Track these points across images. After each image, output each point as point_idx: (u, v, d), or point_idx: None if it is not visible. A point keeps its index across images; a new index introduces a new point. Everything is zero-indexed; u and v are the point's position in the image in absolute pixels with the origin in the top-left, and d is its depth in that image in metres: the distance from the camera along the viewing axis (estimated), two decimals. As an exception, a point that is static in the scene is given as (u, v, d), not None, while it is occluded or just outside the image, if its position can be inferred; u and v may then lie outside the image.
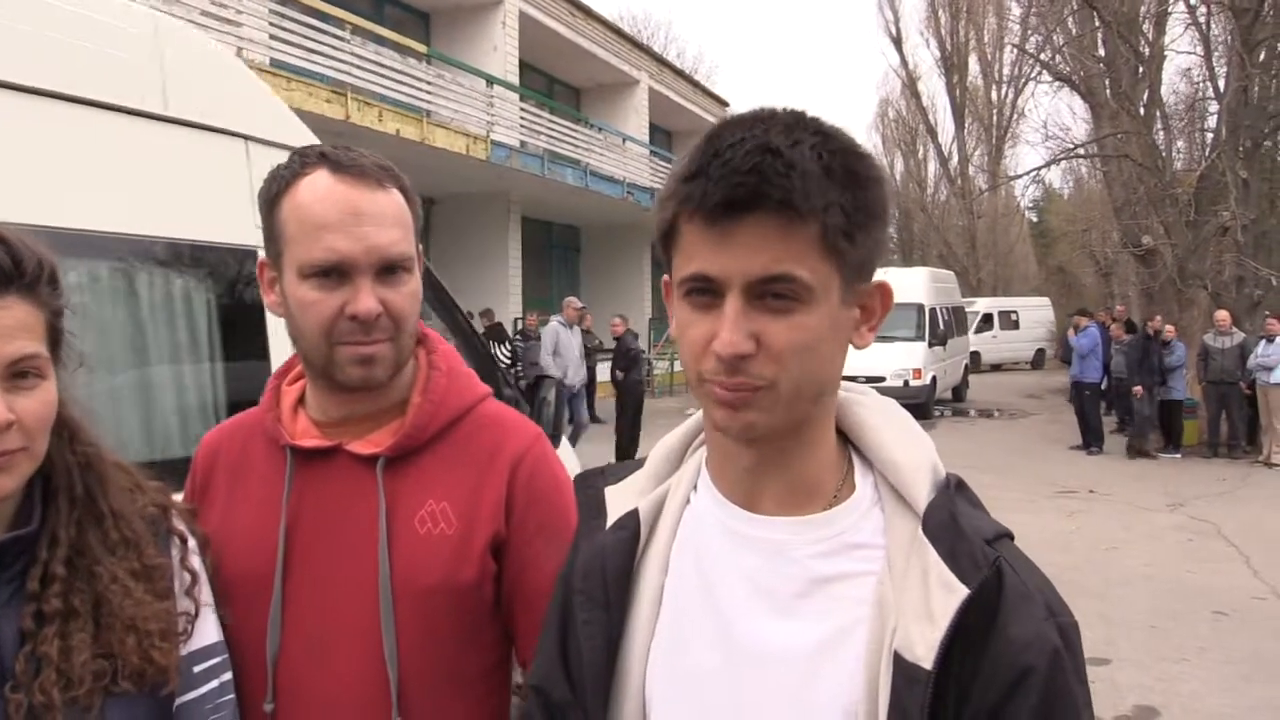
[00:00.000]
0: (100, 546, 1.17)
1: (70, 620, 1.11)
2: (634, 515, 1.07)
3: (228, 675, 1.26)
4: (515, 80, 18.56)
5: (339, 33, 12.81)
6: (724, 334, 0.88)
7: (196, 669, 1.21)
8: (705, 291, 0.90)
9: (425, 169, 15.70)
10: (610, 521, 1.09)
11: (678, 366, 22.72)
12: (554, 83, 23.19)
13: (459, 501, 1.31)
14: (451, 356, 1.43)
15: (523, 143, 17.22)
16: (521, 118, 17.43)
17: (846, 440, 1.03)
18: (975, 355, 27.94)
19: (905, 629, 0.89)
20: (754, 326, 0.88)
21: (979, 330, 29.63)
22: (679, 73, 27.95)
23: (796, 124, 0.90)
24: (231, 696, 1.27)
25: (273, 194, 1.30)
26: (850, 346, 0.97)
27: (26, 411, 1.08)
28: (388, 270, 1.27)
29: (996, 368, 30.84)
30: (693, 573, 1.02)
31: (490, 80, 16.62)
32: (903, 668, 0.88)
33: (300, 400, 1.40)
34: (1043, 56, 20.01)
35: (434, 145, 14.27)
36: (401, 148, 13.93)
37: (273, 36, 11.85)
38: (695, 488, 1.07)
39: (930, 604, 0.89)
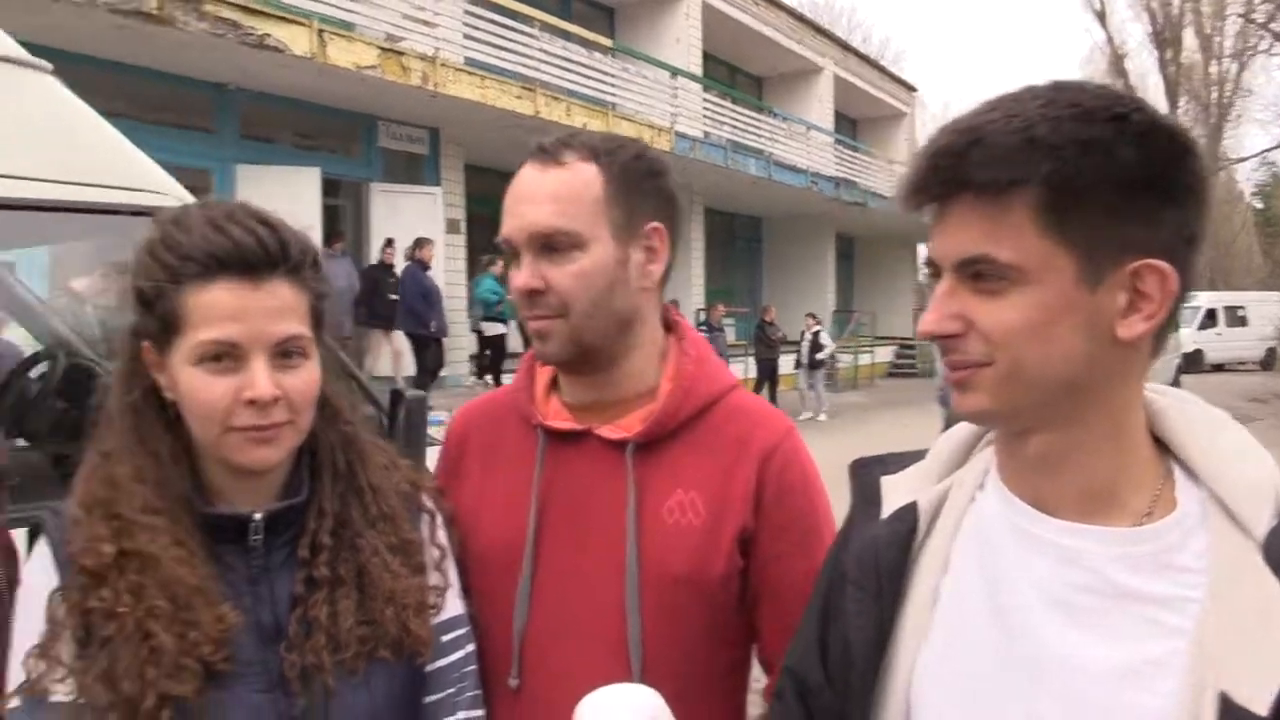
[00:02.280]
0: (362, 520, 1.23)
1: (337, 588, 1.18)
2: (912, 509, 1.04)
3: (471, 646, 1.31)
4: (698, 71, 18.54)
5: (528, 30, 13.11)
6: (925, 314, 0.91)
7: (444, 638, 1.27)
8: (932, 276, 0.94)
9: (609, 162, 15.94)
10: (886, 512, 1.07)
11: (862, 360, 22.28)
12: (736, 72, 23.04)
13: (708, 492, 1.30)
14: (701, 344, 1.41)
15: (706, 134, 17.18)
16: (704, 108, 17.39)
17: (1166, 450, 0.95)
18: (1196, 354, 26.05)
19: (1235, 667, 0.81)
20: (956, 307, 0.90)
21: (1201, 327, 27.69)
22: (864, 58, 27.20)
23: (1007, 100, 0.89)
24: (475, 667, 1.31)
25: None
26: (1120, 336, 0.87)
27: (292, 388, 1.14)
28: (547, 249, 1.28)
29: (1219, 368, 28.44)
30: (974, 574, 0.98)
31: (674, 72, 16.65)
32: (1232, 712, 0.80)
33: (554, 383, 1.42)
34: (1274, 26, 18.22)
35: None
36: (587, 141, 14.12)
37: (467, 36, 12.23)
38: (982, 486, 1.02)
39: (1270, 641, 0.81)
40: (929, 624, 0.99)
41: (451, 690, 1.27)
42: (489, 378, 12.86)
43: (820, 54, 23.61)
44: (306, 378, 1.16)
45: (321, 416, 1.24)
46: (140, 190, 2.44)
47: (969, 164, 0.86)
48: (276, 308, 1.13)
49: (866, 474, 1.13)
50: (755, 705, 1.37)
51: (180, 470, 1.16)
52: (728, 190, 19.12)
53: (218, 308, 1.10)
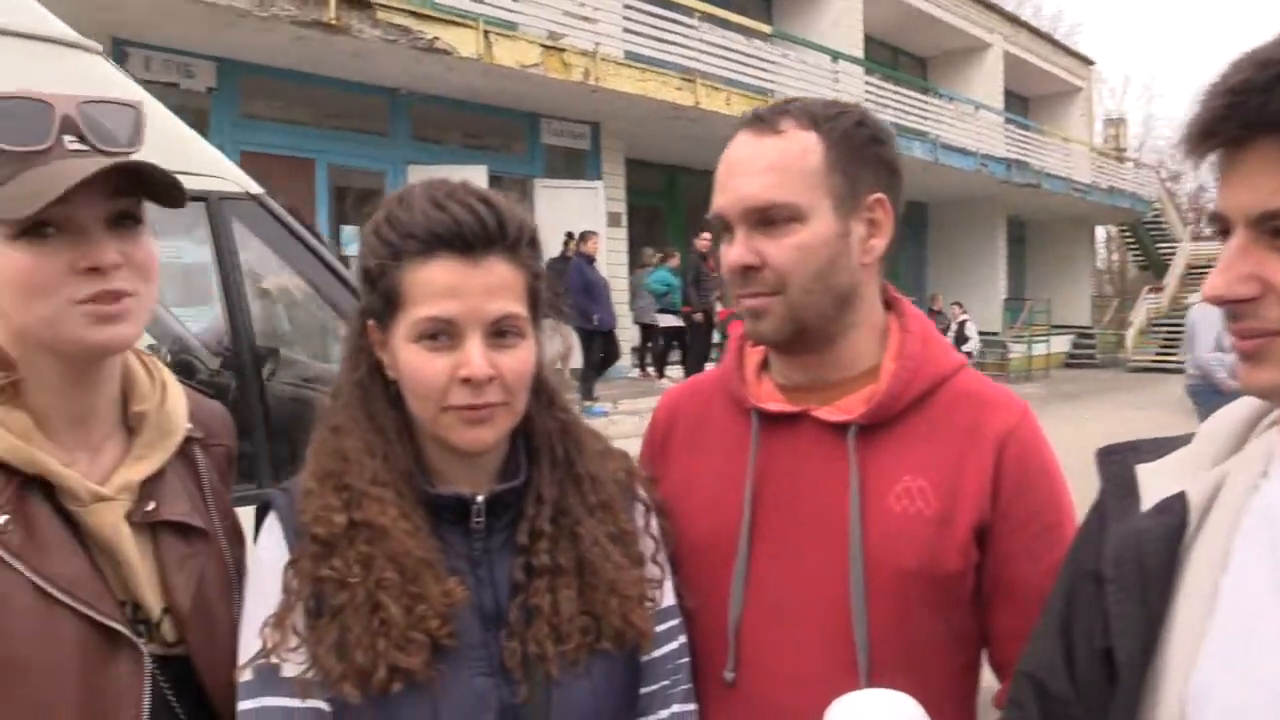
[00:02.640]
0: (580, 508, 1.21)
1: (558, 576, 1.16)
2: (1181, 499, 0.95)
3: (684, 638, 1.28)
4: (859, 54, 18.03)
5: (688, 21, 13.05)
6: (1212, 275, 0.85)
7: (659, 629, 1.24)
8: (1219, 232, 0.86)
9: (769, 150, 15.72)
10: (1146, 503, 0.97)
11: (1036, 350, 21.21)
12: (898, 54, 22.32)
13: (938, 479, 1.22)
14: (923, 321, 1.34)
15: (868, 118, 16.68)
16: (866, 92, 16.88)
17: None
18: None
19: None
20: (1251, 267, 0.82)
21: None
22: (1036, 32, 25.84)
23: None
24: (688, 659, 1.28)
25: None
26: None
27: (507, 368, 1.12)
28: (763, 222, 1.21)
29: None
30: (1264, 571, 0.88)
31: (835, 55, 16.25)
32: None
33: (764, 364, 1.36)
34: None
35: (779, 125, 14.14)
36: (747, 130, 13.97)
37: (626, 30, 12.27)
38: (1266, 473, 0.92)
39: None
40: (1207, 625, 0.89)
41: (666, 683, 1.25)
42: (652, 370, 12.89)
43: (988, 30, 22.57)
44: (522, 358, 1.14)
45: (537, 401, 1.22)
46: (199, 175, 2.43)
47: (1276, 102, 0.77)
48: (493, 285, 1.11)
49: (1118, 462, 1.03)
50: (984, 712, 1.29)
51: (404, 447, 1.17)
52: (891, 176, 18.50)
53: (435, 284, 1.10)
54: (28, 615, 1.05)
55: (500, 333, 1.12)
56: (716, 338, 12.27)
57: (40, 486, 1.10)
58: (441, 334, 1.11)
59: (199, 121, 10.17)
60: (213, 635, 1.17)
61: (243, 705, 1.11)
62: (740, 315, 1.29)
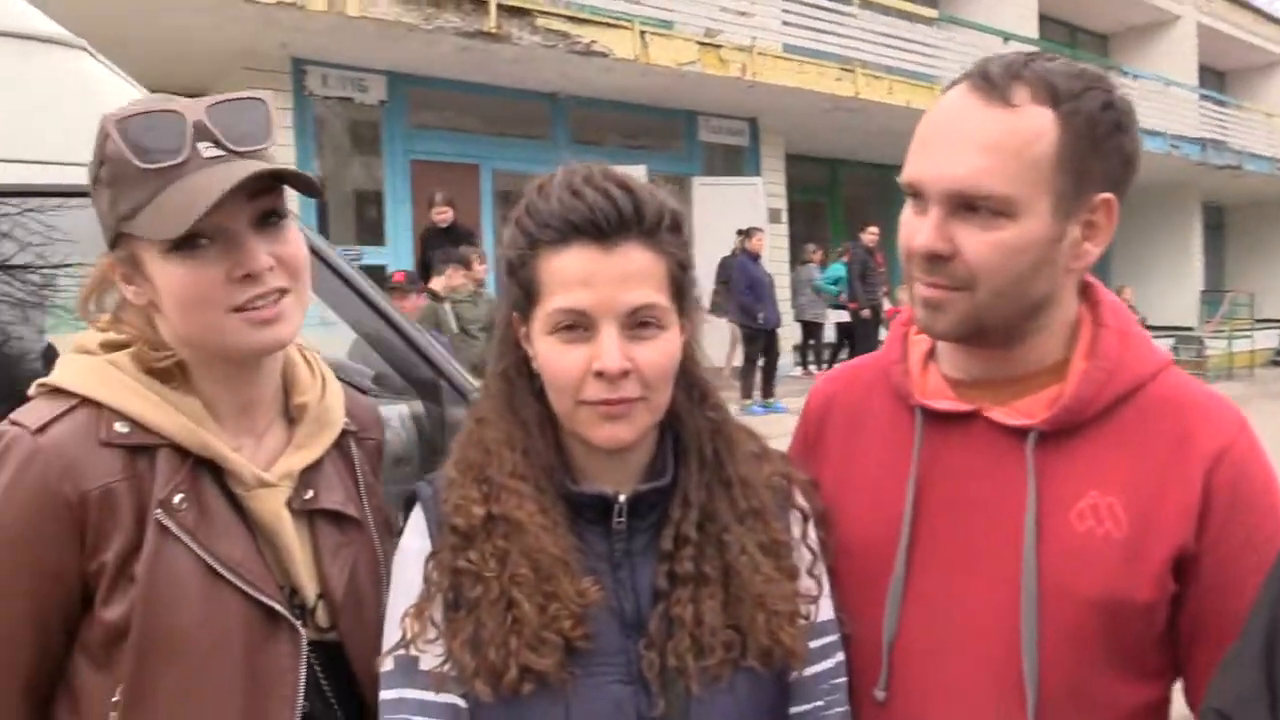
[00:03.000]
0: (729, 514, 1.14)
1: (702, 586, 1.10)
2: None
3: (841, 656, 1.20)
4: (1033, 34, 17.12)
5: (847, 9, 12.74)
6: None
7: (813, 645, 1.17)
8: None
9: (936, 139, 15.17)
10: None
11: (1237, 346, 19.59)
12: (1075, 31, 21.08)
13: (1132, 498, 1.08)
14: (1121, 313, 1.17)
15: (1043, 101, 15.85)
16: (1041, 74, 16.04)
17: None
18: None
19: None
20: None
21: None
22: (1235, 0, 23.87)
23: None
24: (845, 679, 1.20)
25: None
26: None
27: (645, 361, 1.07)
28: (964, 208, 1.06)
29: None
30: None
31: (1006, 36, 15.49)
32: None
33: (931, 353, 1.23)
34: None
35: (946, 113, 13.62)
36: (911, 119, 13.39)
37: (784, 22, 12.09)
38: None
39: None
40: None
41: (820, 703, 1.18)
42: (814, 368, 12.65)
43: (1178, 0, 21.03)
44: (662, 350, 1.08)
45: (688, 397, 1.17)
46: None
47: None
48: (629, 273, 1.06)
49: None
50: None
51: (546, 441, 1.14)
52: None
53: (568, 274, 1.06)
54: (197, 591, 1.10)
55: (640, 324, 1.07)
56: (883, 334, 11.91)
57: (209, 469, 1.15)
58: (576, 325, 1.06)
59: (372, 133, 10.69)
60: (363, 622, 1.20)
61: (384, 694, 1.12)
62: (908, 301, 1.17)
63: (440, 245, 8.50)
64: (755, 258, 11.14)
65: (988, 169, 1.03)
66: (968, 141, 1.04)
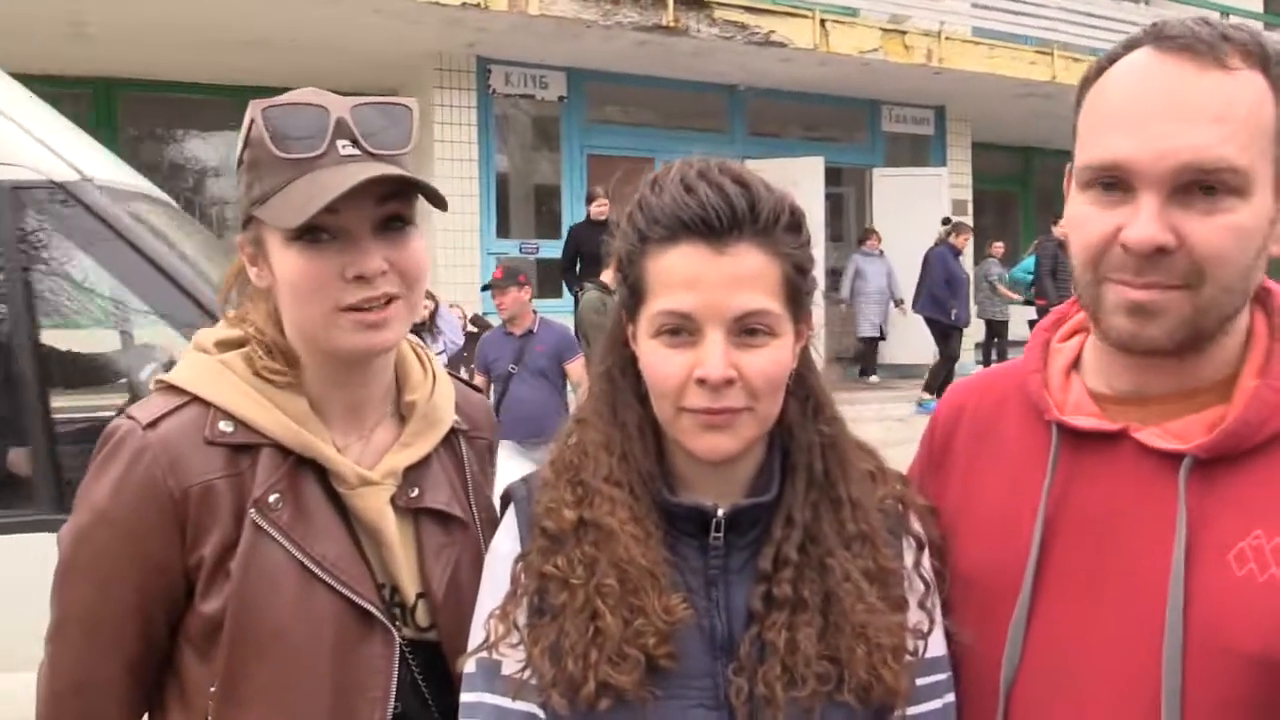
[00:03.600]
0: (835, 537, 1.07)
1: (799, 612, 1.03)
2: None
3: (951, 697, 1.11)
4: (1258, 7, 15.63)
5: (1045, -13, 12.01)
6: None
7: (920, 683, 1.08)
8: None
9: (1142, 124, 14.13)
10: None
11: None
12: (1312, 3, 19.12)
13: None
14: None
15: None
16: (1269, 51, 14.64)
17: None
18: None
19: None
20: None
21: None
22: None
23: None
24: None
25: (1082, 84, 1.02)
26: None
27: (751, 370, 1.00)
28: (1189, 189, 0.91)
29: None
30: None
31: (1225, 11, 14.21)
32: None
33: (1075, 363, 1.11)
34: None
35: (1154, 96, 12.65)
36: (1114, 103, 12.65)
37: (975, 4, 11.51)
38: None
39: None
40: None
41: None
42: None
43: None
44: (771, 359, 1.02)
45: (801, 410, 1.10)
46: None
47: None
48: (740, 276, 0.99)
49: None
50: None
51: (645, 446, 1.09)
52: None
53: (675, 274, 1.01)
54: (290, 589, 1.12)
55: (747, 330, 1.00)
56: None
57: (313, 468, 1.17)
58: (681, 329, 1.01)
59: (551, 128, 10.92)
60: (463, 622, 1.19)
61: (464, 696, 1.10)
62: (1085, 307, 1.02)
63: (596, 238, 8.59)
64: (957, 253, 10.75)
65: (1225, 138, 0.90)
66: (1196, 111, 0.91)
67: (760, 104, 11.76)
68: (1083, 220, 0.98)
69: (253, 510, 1.12)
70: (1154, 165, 0.92)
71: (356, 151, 1.12)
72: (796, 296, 1.05)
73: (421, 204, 1.21)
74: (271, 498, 1.13)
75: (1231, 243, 0.92)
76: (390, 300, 1.14)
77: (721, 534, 1.05)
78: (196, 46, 9.08)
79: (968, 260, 12.65)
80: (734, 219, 0.99)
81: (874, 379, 11.39)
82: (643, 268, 1.04)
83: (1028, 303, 11.85)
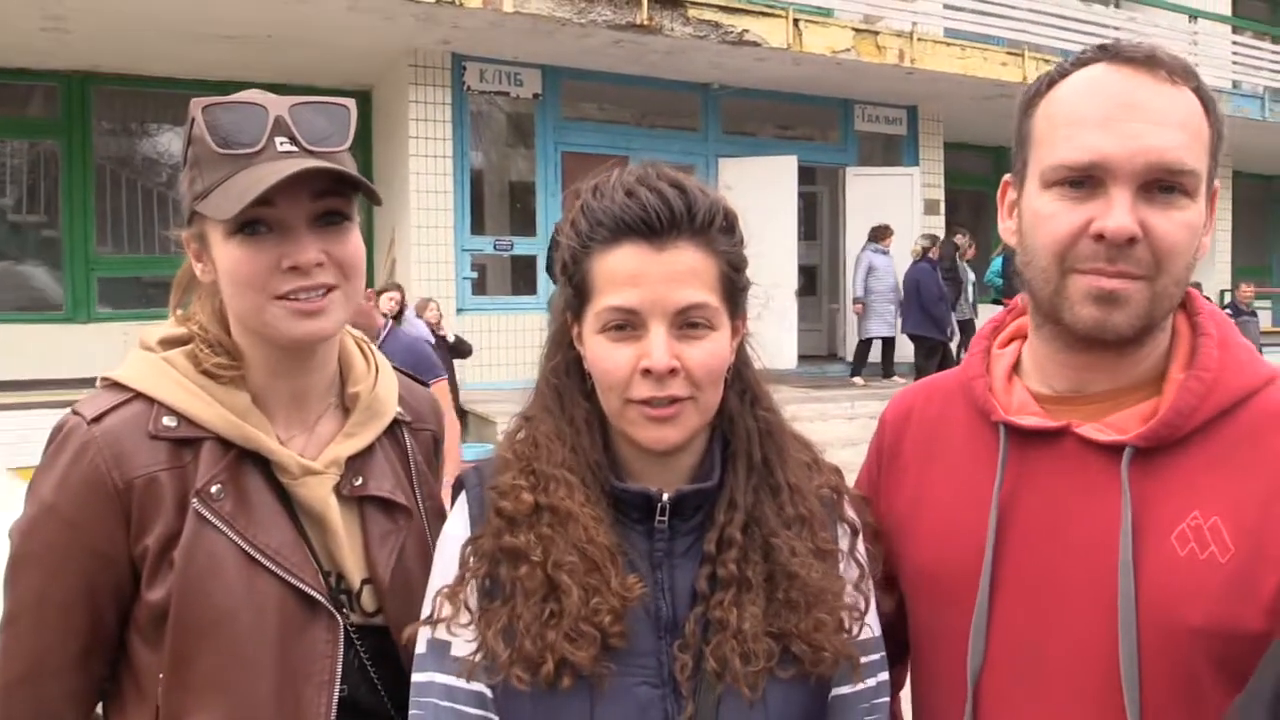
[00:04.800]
0: (776, 520, 1.13)
1: (745, 591, 1.08)
2: None
3: (884, 676, 1.18)
4: (1226, 10, 15.86)
5: (1016, -11, 12.13)
6: None
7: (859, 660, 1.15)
8: None
9: (1111, 126, 14.28)
10: None
11: None
12: (1278, 7, 19.39)
13: (1237, 520, 1.01)
14: (1221, 322, 1.12)
15: (1235, 83, 14.66)
16: (1234, 54, 14.83)
17: None
18: None
19: None
20: None
21: None
22: None
23: None
24: (887, 699, 1.18)
25: (1029, 96, 1.11)
26: None
27: (693, 361, 1.07)
28: (1159, 188, 1.01)
29: None
30: None
31: (1192, 14, 14.41)
32: None
33: (1015, 367, 1.19)
34: None
35: (1122, 97, 12.80)
36: (1083, 105, 12.79)
37: (947, 5, 11.60)
38: None
39: None
40: None
41: None
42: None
43: (1402, -31, 19.03)
44: (711, 350, 1.08)
45: (739, 400, 1.17)
46: None
47: None
48: (679, 272, 1.06)
49: None
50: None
51: (594, 439, 1.14)
52: (1266, 148, 16.16)
53: (619, 272, 1.07)
54: (234, 576, 1.15)
55: (689, 324, 1.07)
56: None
57: (256, 461, 1.21)
58: (626, 324, 1.07)
59: (526, 125, 10.94)
60: (410, 606, 1.23)
61: (415, 676, 1.13)
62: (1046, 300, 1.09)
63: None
64: (935, 265, 10.79)
65: (1186, 145, 1.01)
66: (1164, 116, 1.01)
67: (734, 103, 11.82)
68: (1049, 215, 1.05)
69: (195, 500, 1.15)
70: (1128, 161, 1.00)
71: (294, 148, 1.16)
72: (732, 292, 1.12)
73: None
74: (213, 488, 1.17)
75: (1185, 237, 1.02)
76: (328, 290, 1.19)
77: (666, 518, 1.11)
78: (172, 40, 9.05)
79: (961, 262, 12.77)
80: (673, 219, 1.06)
81: (858, 380, 10.93)
82: (587, 268, 1.10)
83: (996, 302, 11.97)
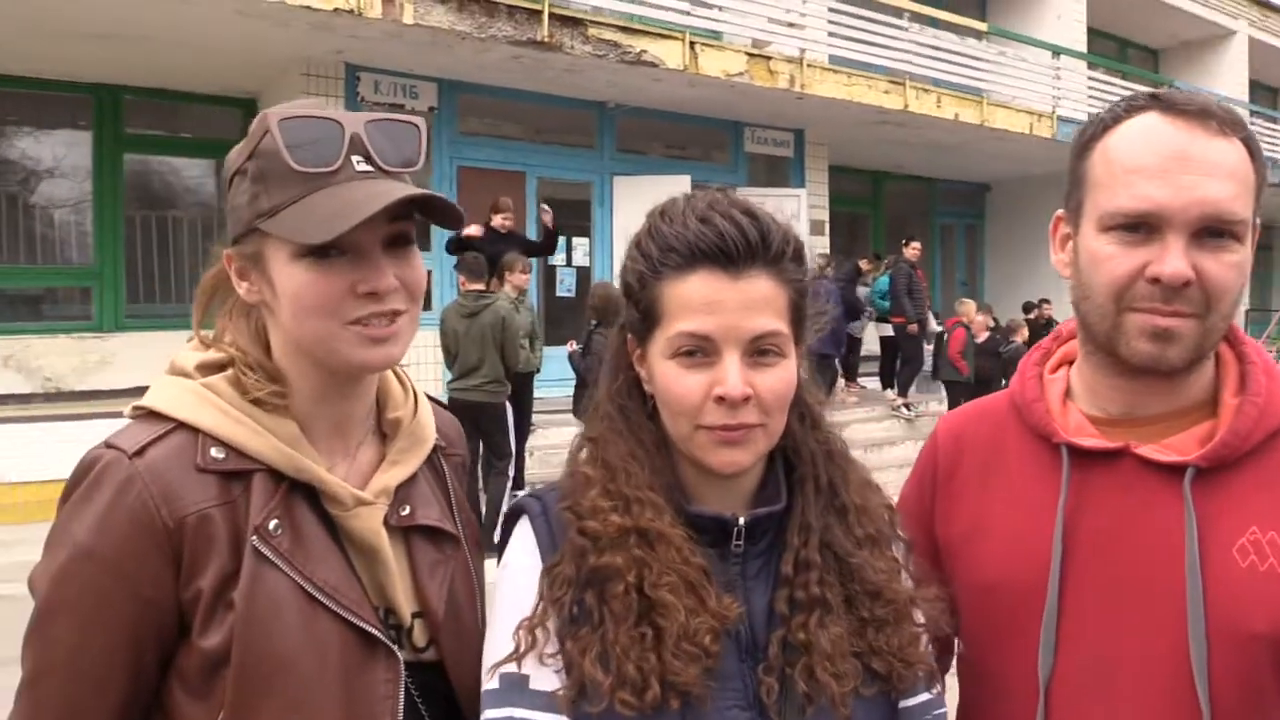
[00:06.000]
0: (848, 540, 1.14)
1: (826, 612, 1.10)
2: None
3: (939, 688, 1.20)
4: (1082, 48, 16.93)
5: (897, 22, 12.64)
6: None
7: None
8: None
9: (982, 153, 15.02)
10: None
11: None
12: (1127, 46, 20.80)
13: None
14: (1262, 350, 1.20)
15: (1090, 116, 15.64)
16: (1090, 89, 15.83)
17: None
18: None
19: None
20: None
21: None
22: (1289, 15, 23.43)
23: None
24: (945, 710, 1.20)
25: (1085, 139, 1.17)
26: None
27: (765, 388, 1.07)
28: (1204, 233, 1.08)
29: None
30: None
31: (1056, 51, 15.33)
32: None
33: (1068, 392, 1.24)
34: None
35: (994, 127, 13.48)
36: (959, 132, 13.42)
37: (832, 34, 12.01)
38: None
39: None
40: None
41: None
42: (864, 384, 12.55)
43: (1233, 16, 20.69)
44: (781, 377, 1.09)
45: (800, 424, 1.18)
46: None
47: None
48: (754, 301, 1.07)
49: None
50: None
51: (665, 461, 1.14)
52: (1117, 177, 17.28)
53: (694, 299, 1.07)
54: (295, 617, 1.08)
55: (760, 351, 1.07)
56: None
57: (304, 492, 1.14)
58: (698, 350, 1.07)
59: (422, 139, 10.74)
60: (463, 640, 1.18)
61: (489, 713, 1.08)
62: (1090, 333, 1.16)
63: (497, 247, 8.55)
64: (833, 283, 11.11)
65: (1237, 195, 1.08)
66: (1215, 168, 1.07)
67: (629, 122, 11.92)
68: (1107, 258, 1.11)
69: (254, 538, 1.08)
70: (1183, 212, 1.07)
71: (370, 168, 1.12)
72: (800, 319, 1.13)
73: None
74: (271, 524, 1.09)
75: (1234, 278, 1.09)
76: (396, 315, 1.14)
77: (741, 542, 1.11)
78: (39, 37, 8.54)
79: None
80: (749, 249, 1.07)
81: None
82: (658, 293, 1.09)
83: (882, 320, 12.40)
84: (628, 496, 1.10)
